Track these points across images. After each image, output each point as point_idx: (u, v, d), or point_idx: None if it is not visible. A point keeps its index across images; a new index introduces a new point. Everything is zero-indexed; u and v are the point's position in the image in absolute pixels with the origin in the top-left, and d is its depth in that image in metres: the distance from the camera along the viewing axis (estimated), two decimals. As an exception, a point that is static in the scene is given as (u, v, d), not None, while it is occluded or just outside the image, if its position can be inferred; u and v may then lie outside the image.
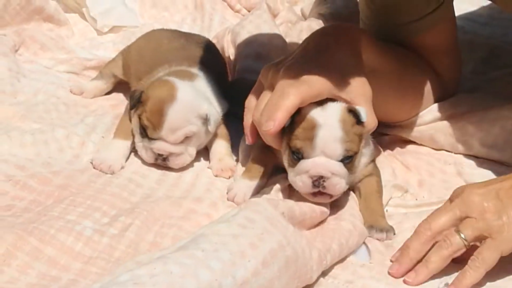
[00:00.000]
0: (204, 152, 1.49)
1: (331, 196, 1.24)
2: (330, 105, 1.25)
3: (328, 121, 1.22)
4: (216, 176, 1.44)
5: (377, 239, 1.27)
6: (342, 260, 1.22)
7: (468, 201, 1.17)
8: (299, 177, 1.23)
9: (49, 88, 1.66)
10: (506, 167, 1.46)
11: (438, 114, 1.54)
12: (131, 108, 1.44)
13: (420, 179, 1.46)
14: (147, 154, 1.42)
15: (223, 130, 1.50)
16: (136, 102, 1.41)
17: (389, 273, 1.18)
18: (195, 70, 1.53)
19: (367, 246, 1.26)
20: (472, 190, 1.18)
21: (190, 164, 1.45)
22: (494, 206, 1.15)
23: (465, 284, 1.12)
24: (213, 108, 1.46)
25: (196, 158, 1.46)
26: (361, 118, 1.24)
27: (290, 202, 1.21)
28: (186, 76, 1.49)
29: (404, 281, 1.16)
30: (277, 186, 1.32)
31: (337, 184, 1.22)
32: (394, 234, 1.29)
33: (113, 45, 1.88)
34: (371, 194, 1.33)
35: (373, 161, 1.39)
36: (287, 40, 1.84)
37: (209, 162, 1.48)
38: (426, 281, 1.16)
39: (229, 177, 1.43)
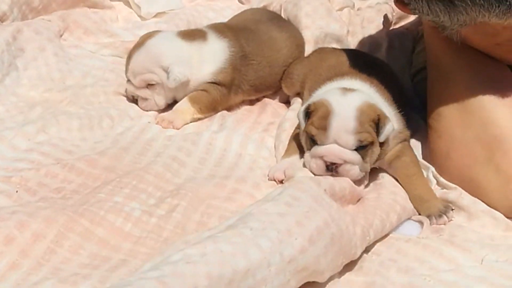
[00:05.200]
0: (245, 132, 1.50)
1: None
2: (351, 94, 1.27)
3: (344, 110, 1.24)
4: (156, 123, 1.50)
5: (442, 225, 1.24)
6: (384, 237, 1.22)
7: None
8: (314, 160, 1.26)
9: (97, 73, 1.68)
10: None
11: None
12: None
13: None
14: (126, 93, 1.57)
15: (196, 94, 1.53)
16: None
17: None
18: (219, 35, 1.56)
19: (419, 222, 1.26)
20: None
21: (231, 143, 1.45)
22: None
23: None
24: (184, 68, 1.50)
25: (238, 137, 1.47)
26: (380, 133, 1.26)
27: (330, 179, 1.22)
28: (197, 35, 1.55)
29: None
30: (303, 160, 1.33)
31: (350, 170, 1.24)
32: (453, 210, 1.26)
33: (155, 25, 1.85)
34: (409, 178, 1.30)
35: (405, 140, 1.35)
36: (350, 28, 1.79)
37: None
38: None
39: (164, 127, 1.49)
